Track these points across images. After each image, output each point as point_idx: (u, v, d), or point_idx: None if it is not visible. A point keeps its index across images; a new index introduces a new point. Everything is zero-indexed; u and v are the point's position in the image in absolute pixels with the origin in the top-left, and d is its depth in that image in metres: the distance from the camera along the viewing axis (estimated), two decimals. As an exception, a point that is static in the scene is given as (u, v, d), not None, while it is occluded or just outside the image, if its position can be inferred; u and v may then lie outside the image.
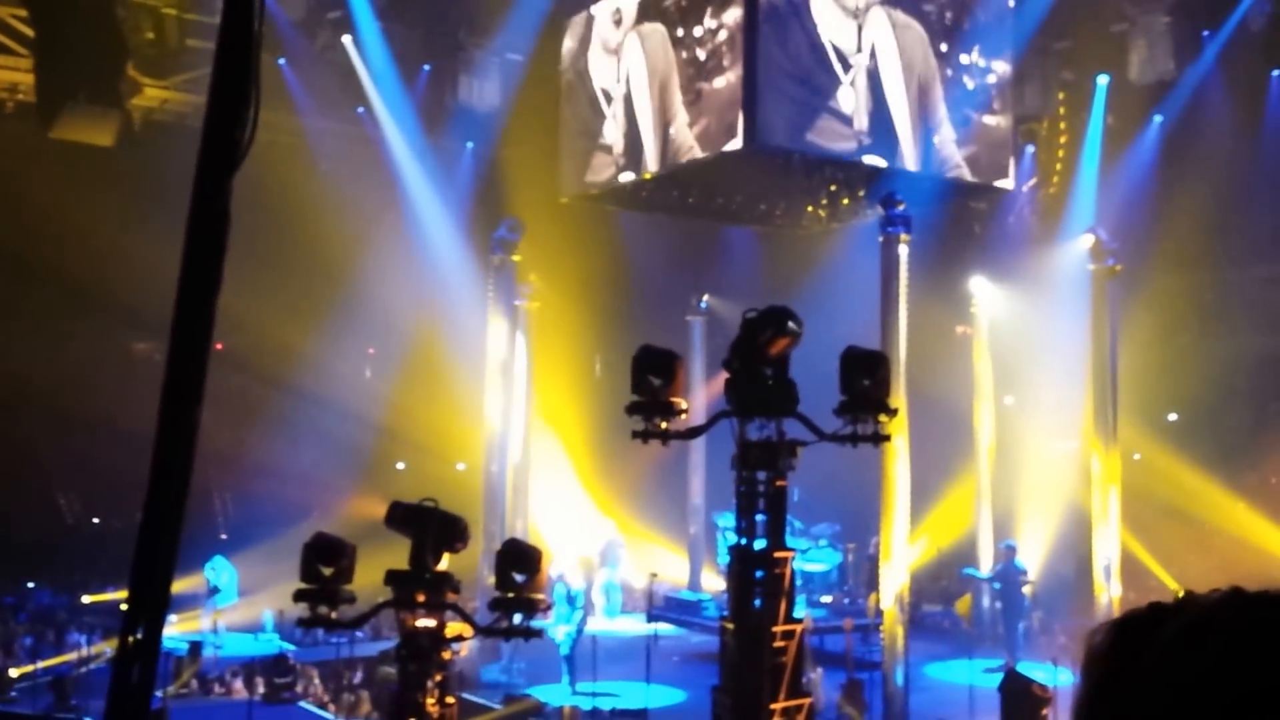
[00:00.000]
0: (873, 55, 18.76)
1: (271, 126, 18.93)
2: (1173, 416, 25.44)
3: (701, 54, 18.83)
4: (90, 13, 19.13)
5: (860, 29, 18.75)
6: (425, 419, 25.68)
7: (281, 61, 22.18)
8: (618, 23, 20.53)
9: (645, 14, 20.00)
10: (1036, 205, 23.79)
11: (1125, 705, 1.10)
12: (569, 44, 21.63)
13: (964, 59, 19.82)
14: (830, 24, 18.40)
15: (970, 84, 19.83)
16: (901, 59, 19.05)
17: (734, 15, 18.17)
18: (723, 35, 18.44)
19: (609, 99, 20.62)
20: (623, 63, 20.29)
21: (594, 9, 20.92)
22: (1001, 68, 20.32)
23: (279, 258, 22.58)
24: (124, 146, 21.00)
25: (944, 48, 19.57)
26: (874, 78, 18.72)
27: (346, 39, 22.67)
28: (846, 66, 18.62)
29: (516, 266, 20.22)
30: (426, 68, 23.54)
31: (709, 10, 18.69)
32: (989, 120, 20.19)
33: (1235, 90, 22.22)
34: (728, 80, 18.35)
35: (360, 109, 23.67)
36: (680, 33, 19.23)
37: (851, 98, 18.67)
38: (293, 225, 22.83)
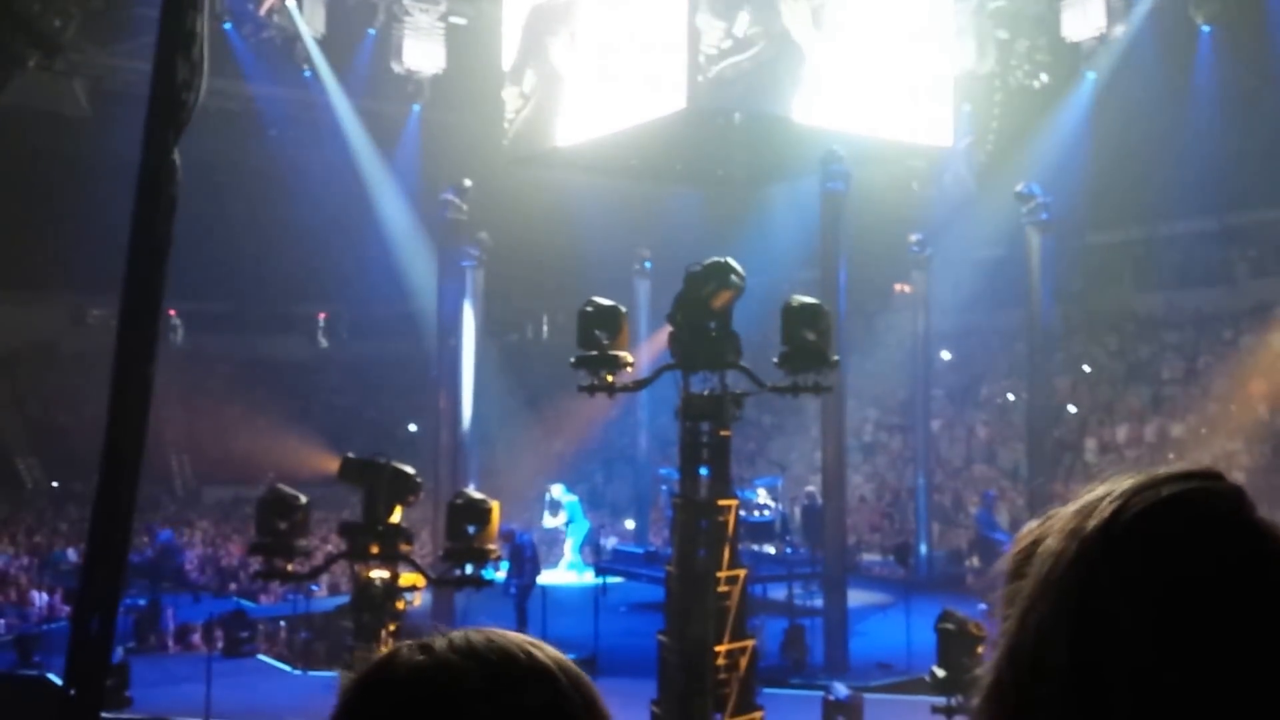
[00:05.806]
0: None
1: (218, 92, 18.95)
2: (1101, 370, 26.07)
3: None
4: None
5: None
6: (377, 381, 25.86)
7: (227, 26, 22.09)
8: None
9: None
10: (973, 162, 24.18)
11: (1025, 569, 1.10)
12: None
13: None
14: None
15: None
16: None
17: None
18: None
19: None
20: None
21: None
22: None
23: (229, 222, 22.60)
24: (73, 113, 20.90)
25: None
26: None
27: (291, 2, 22.58)
28: None
29: (464, 228, 20.39)
30: (371, 31, 23.53)
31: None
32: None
33: (1165, 46, 22.55)
34: None
35: (307, 73, 23.63)
36: None
37: None
38: (242, 190, 22.85)
